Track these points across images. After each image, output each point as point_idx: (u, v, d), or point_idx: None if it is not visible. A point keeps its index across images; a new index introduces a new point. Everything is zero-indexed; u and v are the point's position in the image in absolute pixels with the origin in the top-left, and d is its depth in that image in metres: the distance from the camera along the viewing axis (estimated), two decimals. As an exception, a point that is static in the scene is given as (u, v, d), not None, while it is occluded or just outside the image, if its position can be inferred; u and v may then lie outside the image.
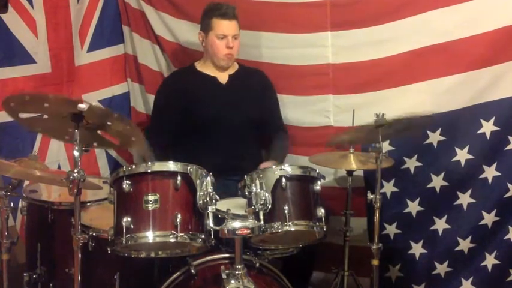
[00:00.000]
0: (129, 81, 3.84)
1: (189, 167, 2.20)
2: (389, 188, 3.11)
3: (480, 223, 2.98)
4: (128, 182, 2.16)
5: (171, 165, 2.22)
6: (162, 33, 3.60)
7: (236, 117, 3.03)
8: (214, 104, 3.04)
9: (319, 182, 2.36)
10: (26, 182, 2.78)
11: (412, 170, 3.06)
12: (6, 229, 2.38)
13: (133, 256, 2.28)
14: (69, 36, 3.34)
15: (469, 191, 2.99)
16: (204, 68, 3.13)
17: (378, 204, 2.48)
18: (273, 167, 2.37)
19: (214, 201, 2.16)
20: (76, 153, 2.11)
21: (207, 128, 3.01)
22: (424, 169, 3.03)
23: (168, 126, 3.08)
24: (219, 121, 3.01)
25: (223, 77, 3.11)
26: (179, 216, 2.13)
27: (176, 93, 3.08)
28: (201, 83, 3.08)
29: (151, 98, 3.71)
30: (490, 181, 2.94)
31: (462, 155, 2.96)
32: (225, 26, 2.95)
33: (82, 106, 1.98)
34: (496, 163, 2.93)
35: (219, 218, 2.20)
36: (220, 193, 2.21)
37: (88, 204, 2.65)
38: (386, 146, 2.95)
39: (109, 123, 2.11)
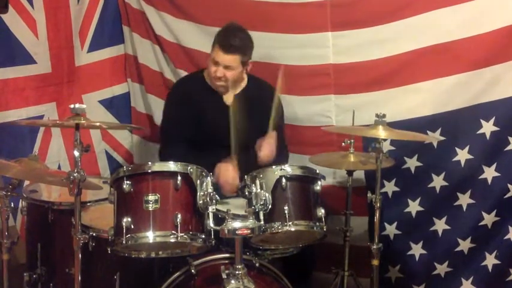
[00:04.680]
0: (130, 81, 3.84)
1: (189, 167, 2.21)
2: (390, 187, 3.11)
3: (480, 223, 2.98)
4: (128, 182, 2.16)
5: (171, 165, 2.22)
6: (162, 33, 3.60)
7: (238, 141, 2.84)
8: (216, 124, 2.91)
9: (319, 182, 2.36)
10: (26, 182, 2.78)
11: (413, 170, 3.06)
12: (7, 229, 2.38)
13: (133, 256, 2.28)
14: (69, 37, 3.34)
15: (469, 192, 2.98)
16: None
17: (378, 204, 2.48)
18: (273, 167, 2.36)
19: (214, 201, 2.16)
20: (76, 153, 2.12)
21: (208, 144, 2.93)
22: (424, 169, 3.03)
23: (181, 135, 2.98)
24: (220, 141, 2.85)
25: (229, 97, 3.01)
26: (179, 216, 2.13)
27: (185, 102, 3.00)
28: (207, 99, 2.98)
29: (151, 98, 3.72)
30: (489, 181, 2.94)
31: (462, 155, 2.96)
32: (219, 56, 2.86)
33: None
34: (495, 163, 2.93)
35: (219, 218, 2.20)
36: (220, 193, 2.21)
37: (88, 204, 2.65)
38: (386, 146, 2.95)
39: None
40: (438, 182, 3.02)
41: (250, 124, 2.90)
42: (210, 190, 2.18)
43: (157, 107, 3.62)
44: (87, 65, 3.52)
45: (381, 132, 2.43)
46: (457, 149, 2.96)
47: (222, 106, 2.98)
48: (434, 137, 2.94)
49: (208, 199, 2.16)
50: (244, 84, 3.05)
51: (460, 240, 3.03)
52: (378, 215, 2.49)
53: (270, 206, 2.21)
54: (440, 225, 3.06)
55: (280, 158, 2.96)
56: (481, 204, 2.97)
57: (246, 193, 2.24)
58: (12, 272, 2.43)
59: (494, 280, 3.03)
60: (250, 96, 3.01)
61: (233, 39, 2.87)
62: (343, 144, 2.88)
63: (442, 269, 3.09)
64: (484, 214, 2.96)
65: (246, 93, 3.03)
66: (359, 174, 3.09)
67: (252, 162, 2.88)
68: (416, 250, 3.13)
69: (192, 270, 2.32)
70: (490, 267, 3.02)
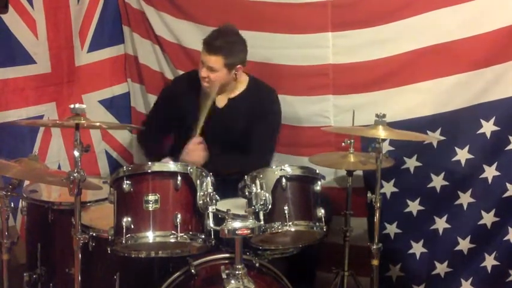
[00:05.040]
0: (130, 81, 3.84)
1: (189, 167, 2.21)
2: (389, 188, 3.11)
3: (479, 223, 2.98)
4: (128, 182, 2.16)
5: (171, 165, 2.23)
6: (162, 34, 3.60)
7: (224, 143, 2.92)
8: (205, 125, 2.87)
9: (319, 182, 2.35)
10: (26, 182, 2.78)
11: (412, 170, 3.06)
12: (7, 229, 2.38)
13: (133, 256, 2.28)
14: (69, 37, 3.34)
15: (470, 191, 2.99)
16: None
17: (378, 204, 2.48)
18: (273, 167, 2.36)
19: (214, 201, 2.16)
20: (76, 153, 2.12)
21: None
22: (424, 169, 3.03)
23: (159, 128, 3.05)
24: (208, 141, 2.88)
25: (221, 100, 2.99)
26: (179, 216, 2.13)
27: (174, 101, 3.03)
28: (200, 102, 2.92)
29: (151, 98, 3.71)
30: (490, 181, 2.94)
31: (462, 155, 2.96)
32: (203, 55, 2.85)
33: None
34: (496, 163, 2.92)
35: (219, 218, 2.20)
36: (220, 193, 2.21)
37: (88, 204, 2.65)
38: (386, 146, 2.95)
39: None
40: (438, 181, 3.02)
41: (241, 126, 2.93)
42: (210, 190, 2.18)
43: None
44: (87, 65, 3.52)
45: (381, 132, 2.44)
46: (456, 148, 2.96)
47: (214, 111, 2.93)
48: (434, 137, 2.94)
49: (208, 199, 2.16)
50: (243, 87, 3.02)
51: (459, 239, 3.03)
52: (377, 215, 2.49)
53: (270, 206, 2.21)
54: (440, 223, 3.06)
55: (252, 162, 2.71)
56: (481, 203, 2.97)
57: (246, 193, 2.24)
58: (12, 272, 2.43)
59: (493, 281, 3.03)
60: (247, 99, 2.99)
61: (217, 40, 2.83)
62: (343, 144, 2.87)
63: (442, 268, 3.09)
64: (483, 213, 2.97)
65: (242, 96, 3.01)
66: (359, 174, 3.09)
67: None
68: (417, 249, 3.13)
69: (192, 270, 2.32)
70: (489, 268, 3.01)
